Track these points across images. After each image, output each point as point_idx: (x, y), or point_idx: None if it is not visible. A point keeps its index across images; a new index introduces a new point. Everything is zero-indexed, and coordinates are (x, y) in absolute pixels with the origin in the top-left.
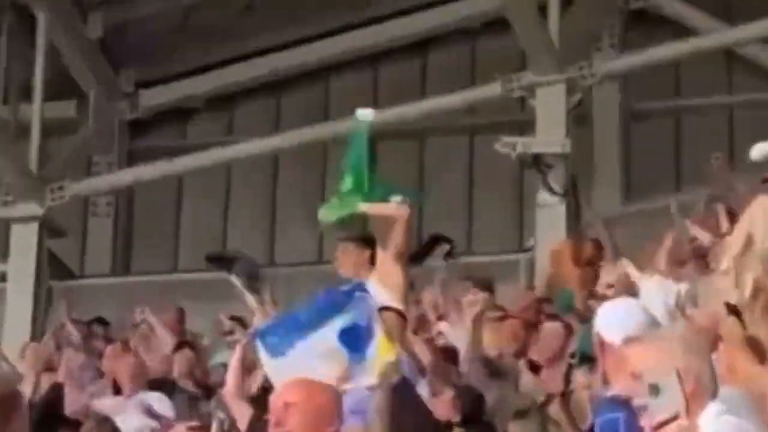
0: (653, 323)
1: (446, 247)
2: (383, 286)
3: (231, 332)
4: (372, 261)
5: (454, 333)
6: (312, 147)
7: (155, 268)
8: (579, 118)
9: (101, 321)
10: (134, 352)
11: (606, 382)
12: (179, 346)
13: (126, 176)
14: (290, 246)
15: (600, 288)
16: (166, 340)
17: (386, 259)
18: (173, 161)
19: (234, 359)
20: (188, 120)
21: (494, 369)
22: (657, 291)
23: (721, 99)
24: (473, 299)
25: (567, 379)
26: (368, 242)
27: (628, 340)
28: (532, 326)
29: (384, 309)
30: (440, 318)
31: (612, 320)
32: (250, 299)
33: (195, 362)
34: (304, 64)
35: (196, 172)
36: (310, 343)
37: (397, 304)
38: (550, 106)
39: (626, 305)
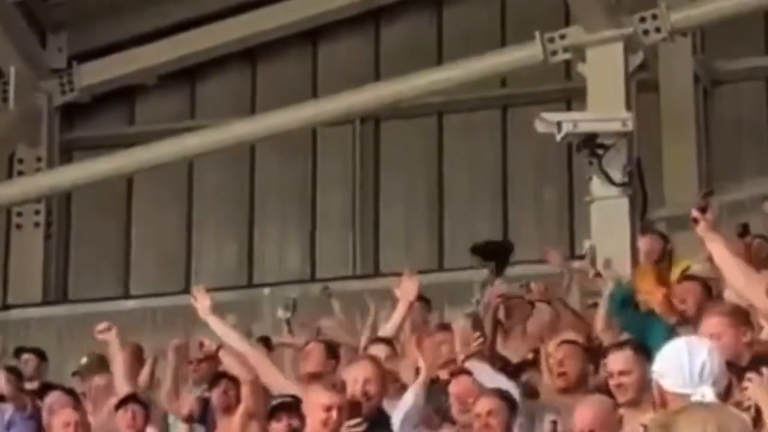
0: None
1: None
2: None
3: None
4: None
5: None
6: (298, 131)
7: (100, 293)
8: (643, 86)
9: (37, 353)
10: (83, 408)
11: None
12: (123, 402)
13: (59, 176)
14: (274, 259)
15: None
16: (120, 389)
17: None
18: (119, 155)
19: None
20: (138, 101)
21: None
22: None
23: None
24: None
25: None
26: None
27: None
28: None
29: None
30: (468, 357)
31: (671, 367)
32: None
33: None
34: (287, 26)
35: (150, 168)
36: None
37: None
38: (605, 70)
39: (690, 348)
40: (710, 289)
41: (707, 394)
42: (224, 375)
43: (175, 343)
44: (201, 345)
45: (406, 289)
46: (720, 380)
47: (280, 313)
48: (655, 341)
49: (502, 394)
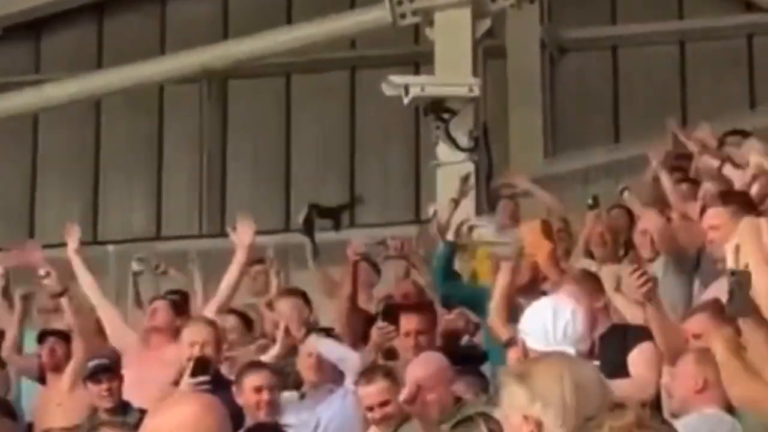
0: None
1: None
2: None
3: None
4: None
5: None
6: (145, 87)
7: None
8: (490, 52)
9: None
10: None
11: None
12: None
13: None
14: (119, 215)
15: None
16: None
17: None
18: None
19: None
20: None
21: None
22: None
23: (668, 26)
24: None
25: None
26: None
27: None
28: None
29: None
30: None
31: (535, 326)
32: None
33: None
34: None
35: None
36: None
37: None
38: (453, 35)
39: (554, 308)
40: None
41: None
42: (51, 332)
43: (22, 292)
44: (47, 274)
45: (242, 233)
46: (581, 341)
47: (135, 266)
48: (484, 314)
49: (272, 369)
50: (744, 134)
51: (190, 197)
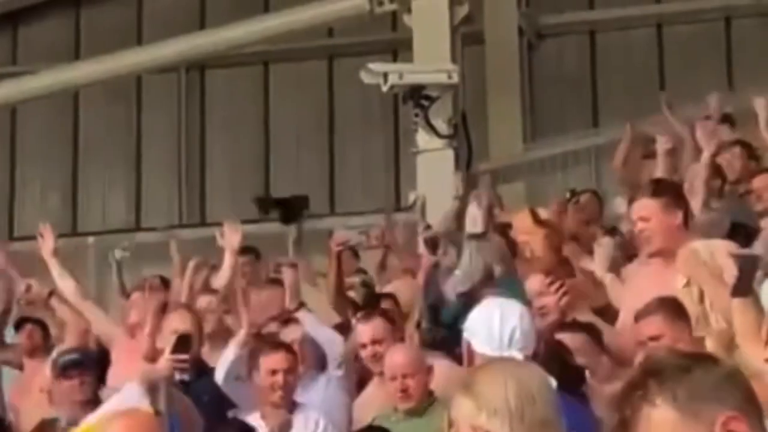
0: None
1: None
2: None
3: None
4: None
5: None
6: (123, 77)
7: None
8: (468, 38)
9: None
10: None
11: None
12: None
13: None
14: (98, 206)
15: None
16: None
17: None
18: None
19: None
20: None
21: None
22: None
23: (645, 10)
24: None
25: None
26: None
27: None
28: None
29: None
30: (298, 307)
31: (481, 328)
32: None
33: None
34: None
35: None
36: None
37: None
38: (430, 22)
39: (502, 311)
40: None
41: (515, 358)
42: (29, 319)
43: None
44: (28, 288)
45: (230, 238)
46: (529, 345)
47: (117, 255)
48: None
49: (290, 350)
50: (725, 118)
51: (170, 187)
